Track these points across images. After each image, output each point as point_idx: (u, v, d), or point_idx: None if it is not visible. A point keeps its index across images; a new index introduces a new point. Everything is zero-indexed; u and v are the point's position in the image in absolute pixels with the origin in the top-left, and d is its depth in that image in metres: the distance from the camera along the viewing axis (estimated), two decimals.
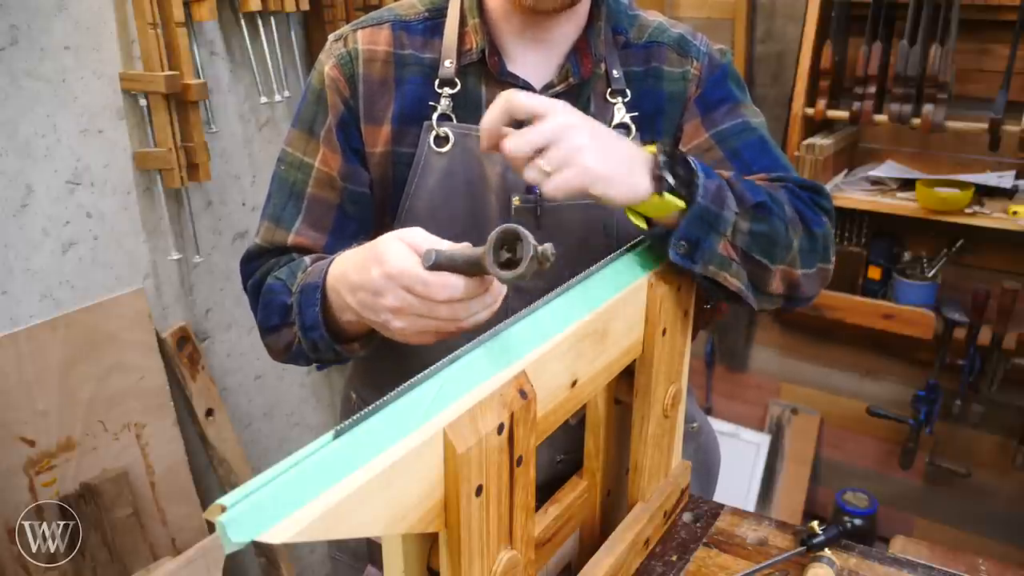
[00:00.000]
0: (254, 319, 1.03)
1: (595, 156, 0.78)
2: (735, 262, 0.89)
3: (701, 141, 1.04)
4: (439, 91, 0.99)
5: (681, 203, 0.84)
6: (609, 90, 1.03)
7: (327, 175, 1.02)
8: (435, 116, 0.99)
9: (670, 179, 0.83)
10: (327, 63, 1.01)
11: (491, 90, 1.00)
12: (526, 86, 1.00)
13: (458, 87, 0.99)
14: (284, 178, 1.04)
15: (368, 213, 1.05)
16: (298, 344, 0.94)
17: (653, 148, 0.86)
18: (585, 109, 1.01)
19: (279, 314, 0.95)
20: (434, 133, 0.99)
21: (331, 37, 1.03)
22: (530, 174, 0.78)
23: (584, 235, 1.01)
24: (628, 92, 1.03)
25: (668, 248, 0.86)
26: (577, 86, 1.01)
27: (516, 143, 0.77)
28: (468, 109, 1.00)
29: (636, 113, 1.03)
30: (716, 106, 1.04)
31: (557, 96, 0.99)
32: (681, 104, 1.05)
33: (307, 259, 0.98)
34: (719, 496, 1.22)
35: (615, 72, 1.03)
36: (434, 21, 1.02)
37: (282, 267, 0.99)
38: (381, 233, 1.04)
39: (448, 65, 0.99)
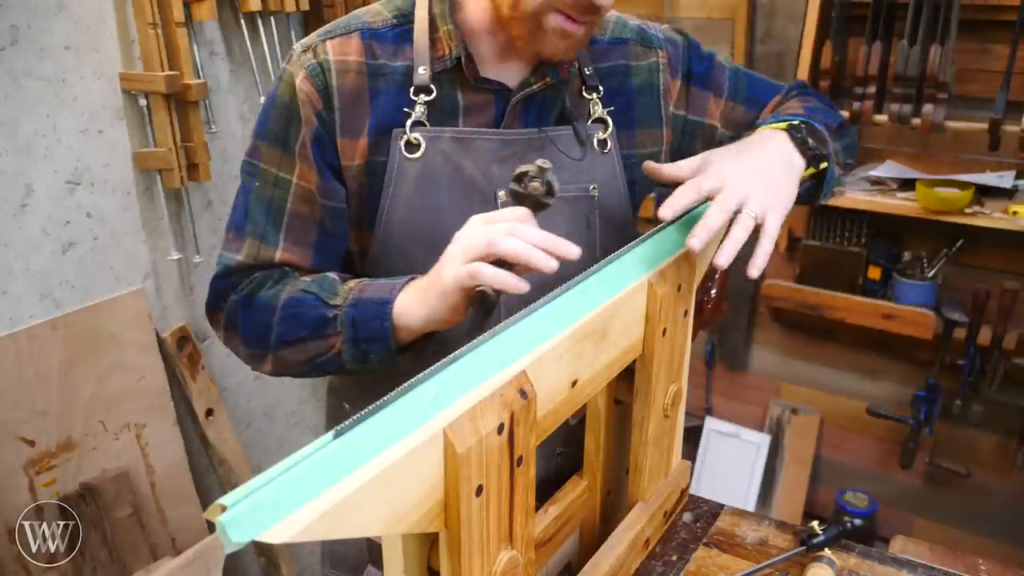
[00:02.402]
0: (234, 330, 1.00)
1: (764, 193, 0.91)
2: (843, 175, 1.10)
3: (724, 109, 1.15)
4: (414, 98, 0.98)
5: (823, 165, 1.01)
6: (584, 87, 1.06)
7: (307, 190, 0.99)
8: (408, 123, 0.98)
9: (819, 151, 1.00)
10: (297, 75, 0.97)
11: (467, 95, 1.00)
12: (501, 89, 1.01)
13: (434, 94, 0.98)
14: (261, 194, 1.01)
15: (347, 229, 1.03)
16: (331, 355, 0.93)
17: (783, 126, 1.00)
18: (563, 106, 1.04)
19: (311, 326, 0.93)
20: (404, 139, 0.98)
21: (297, 48, 0.99)
22: (740, 234, 0.89)
23: (569, 228, 1.03)
24: (600, 88, 1.07)
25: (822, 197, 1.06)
26: (554, 85, 1.02)
27: (715, 219, 0.88)
28: (444, 114, 1.00)
29: (612, 107, 1.07)
30: (710, 76, 1.14)
31: (534, 94, 1.01)
32: (654, 93, 1.10)
33: (332, 274, 0.97)
34: (719, 496, 1.22)
35: (587, 69, 1.06)
36: (402, 28, 1.00)
37: (283, 281, 0.98)
38: (362, 244, 1.03)
39: (422, 72, 0.98)
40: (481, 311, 0.81)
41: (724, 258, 0.87)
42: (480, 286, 0.80)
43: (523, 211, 0.84)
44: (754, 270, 0.89)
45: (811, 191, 1.05)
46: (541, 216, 1.01)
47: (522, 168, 0.83)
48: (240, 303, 0.99)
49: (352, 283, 0.95)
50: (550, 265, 0.79)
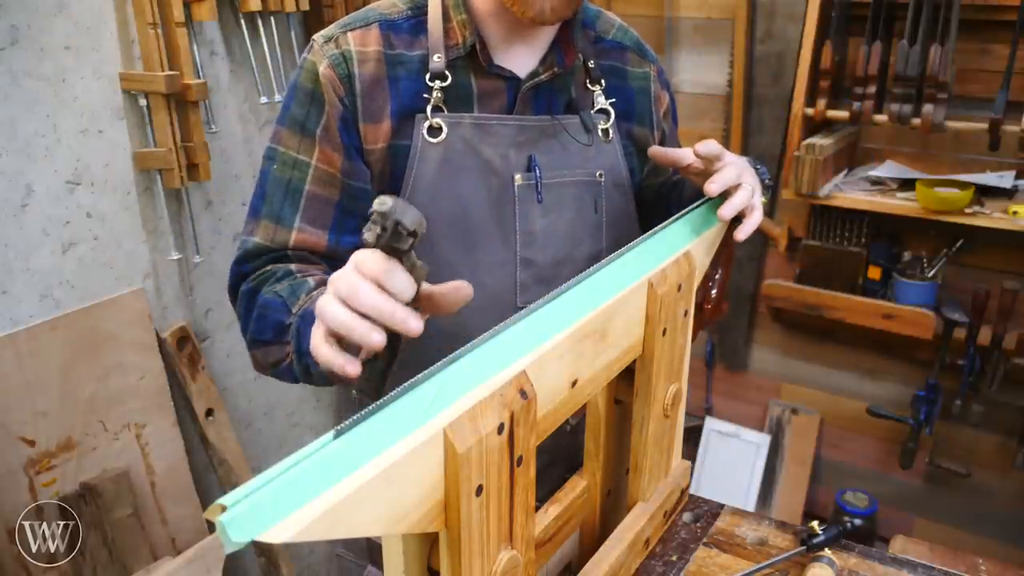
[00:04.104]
0: (239, 322, 1.02)
1: (754, 179, 1.05)
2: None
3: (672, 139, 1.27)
4: (431, 84, 1.02)
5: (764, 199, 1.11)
6: (588, 79, 1.12)
7: (326, 172, 1.02)
8: (428, 108, 1.02)
9: (767, 182, 1.11)
10: (320, 63, 1.01)
11: (480, 81, 1.05)
12: (512, 77, 1.05)
13: (449, 80, 1.03)
14: (278, 176, 1.03)
15: (367, 210, 1.04)
16: (288, 363, 0.93)
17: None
18: (568, 96, 1.10)
19: (273, 330, 0.94)
20: (427, 124, 1.02)
21: (319, 39, 1.03)
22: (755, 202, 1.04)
23: (578, 209, 1.09)
24: (603, 82, 1.13)
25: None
26: (561, 75, 1.07)
27: (744, 193, 1.02)
28: (459, 100, 1.04)
29: (614, 99, 1.13)
30: (675, 117, 1.28)
31: (540, 83, 1.06)
32: (648, 98, 1.18)
33: (311, 281, 0.96)
34: (719, 496, 1.22)
35: (590, 63, 1.12)
36: (417, 19, 1.05)
37: (281, 280, 0.98)
38: None
39: (437, 60, 1.02)
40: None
41: (743, 234, 1.03)
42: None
43: (382, 259, 0.69)
44: (741, 234, 1.03)
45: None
46: (551, 198, 1.03)
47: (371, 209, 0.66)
48: (246, 294, 1.01)
49: (315, 290, 0.92)
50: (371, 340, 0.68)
